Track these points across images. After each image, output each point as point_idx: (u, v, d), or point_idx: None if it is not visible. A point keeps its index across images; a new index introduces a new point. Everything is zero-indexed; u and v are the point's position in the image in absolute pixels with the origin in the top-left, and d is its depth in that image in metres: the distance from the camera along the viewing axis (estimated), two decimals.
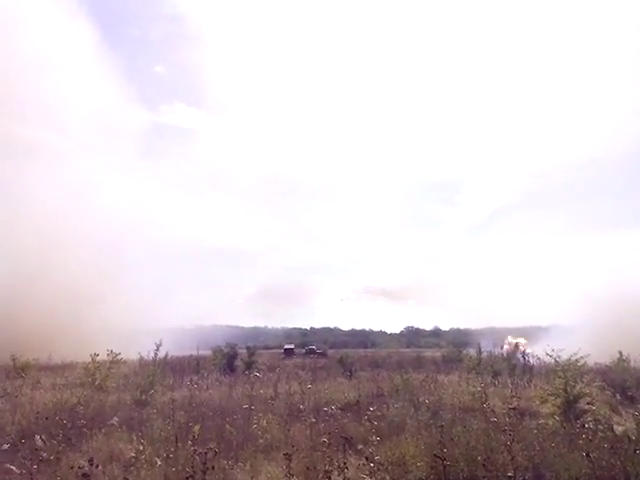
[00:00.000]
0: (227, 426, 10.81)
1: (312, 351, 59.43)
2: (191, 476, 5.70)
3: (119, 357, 19.55)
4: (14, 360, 24.20)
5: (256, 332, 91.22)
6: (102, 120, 79.99)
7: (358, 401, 14.64)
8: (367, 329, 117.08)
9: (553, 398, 13.51)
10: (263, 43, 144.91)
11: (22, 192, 55.36)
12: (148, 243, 66.82)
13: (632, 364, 25.04)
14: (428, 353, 44.80)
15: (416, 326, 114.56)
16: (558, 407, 13.18)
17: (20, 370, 23.66)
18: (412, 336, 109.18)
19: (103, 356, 19.26)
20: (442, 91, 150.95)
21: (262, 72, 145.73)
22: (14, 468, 6.39)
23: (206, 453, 5.75)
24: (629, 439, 8.63)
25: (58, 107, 67.24)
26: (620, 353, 26.04)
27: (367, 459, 7.81)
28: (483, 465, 7.35)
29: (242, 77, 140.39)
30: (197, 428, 7.50)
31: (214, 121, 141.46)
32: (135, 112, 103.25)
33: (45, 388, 18.46)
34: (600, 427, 9.85)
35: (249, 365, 30.08)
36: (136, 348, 20.06)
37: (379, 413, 11.96)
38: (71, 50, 73.43)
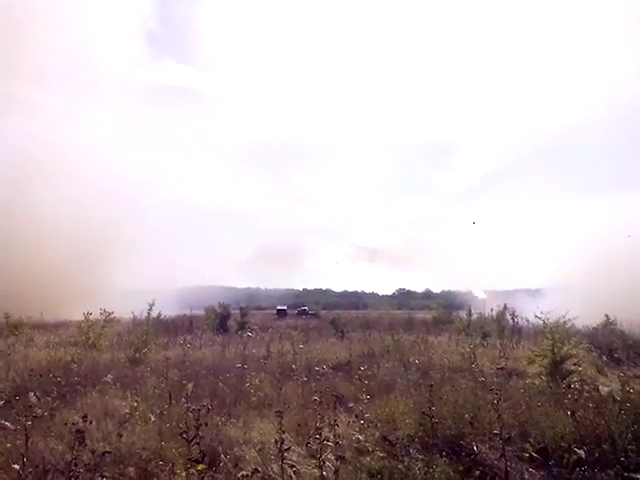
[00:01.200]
0: (220, 384, 10.95)
1: (304, 312, 59.97)
2: (185, 432, 5.78)
3: (112, 316, 19.63)
4: (7, 318, 24.23)
5: (249, 293, 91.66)
6: (94, 77, 78.25)
7: (349, 361, 14.88)
8: (359, 291, 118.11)
9: (540, 359, 13.75)
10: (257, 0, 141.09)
11: (21, 147, 54.22)
12: (140, 204, 66.28)
13: (619, 326, 25.51)
14: (419, 315, 45.23)
15: (407, 288, 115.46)
16: (545, 367, 13.44)
17: (13, 328, 23.71)
18: (403, 298, 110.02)
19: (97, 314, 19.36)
20: (435, 53, 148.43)
21: (255, 31, 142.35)
22: (8, 424, 6.44)
23: (199, 410, 5.81)
24: (614, 399, 8.83)
25: (47, 64, 65.53)
26: (607, 316, 26.48)
27: (357, 416, 7.98)
28: (470, 423, 7.52)
29: (235, 34, 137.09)
30: (190, 386, 7.57)
31: (205, 79, 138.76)
32: (127, 69, 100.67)
33: (39, 346, 18.57)
34: (586, 387, 10.06)
35: (242, 325, 30.35)
36: (130, 307, 20.16)
37: (370, 373, 12.15)
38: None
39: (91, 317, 19.20)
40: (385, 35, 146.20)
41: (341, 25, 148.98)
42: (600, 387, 10.90)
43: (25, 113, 58.04)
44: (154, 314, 19.28)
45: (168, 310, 25.80)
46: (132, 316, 19.78)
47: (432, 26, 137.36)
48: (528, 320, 26.27)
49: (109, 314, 19.48)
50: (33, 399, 7.75)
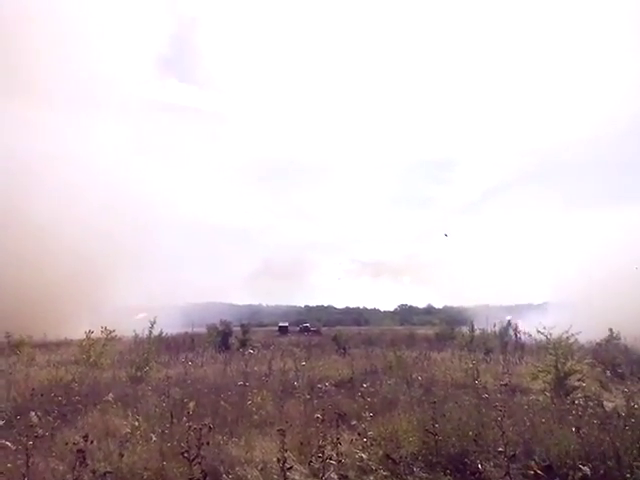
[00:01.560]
0: (222, 402, 10.88)
1: (306, 329, 59.75)
2: (186, 451, 5.75)
3: (114, 334, 19.60)
4: (8, 337, 24.21)
5: (251, 310, 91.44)
6: (99, 94, 78.92)
7: (352, 378, 14.79)
8: (361, 307, 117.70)
9: (544, 375, 13.68)
10: (258, 18, 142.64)
11: (23, 161, 54.28)
12: (141, 221, 66.34)
13: (622, 341, 25.38)
14: (421, 331, 45.09)
15: (409, 304, 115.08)
16: (549, 383, 13.36)
17: (14, 347, 23.68)
18: (405, 314, 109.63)
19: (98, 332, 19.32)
20: (435, 69, 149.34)
21: (256, 48, 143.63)
22: (9, 444, 6.41)
23: (201, 429, 5.79)
24: (618, 415, 8.76)
25: (51, 80, 66.00)
26: (611, 330, 26.35)
27: (360, 434, 7.92)
28: (474, 440, 7.46)
29: (235, 52, 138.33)
30: (192, 404, 7.54)
31: (206, 97, 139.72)
32: (131, 87, 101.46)
33: (40, 365, 18.50)
34: (590, 403, 9.99)
35: (243, 342, 30.23)
36: (131, 326, 20.11)
37: (372, 389, 12.07)
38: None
39: (92, 335, 19.16)
40: (385, 52, 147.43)
41: (341, 42, 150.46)
42: (604, 403, 10.82)
43: (24, 128, 58.12)
44: (155, 332, 19.23)
45: (170, 327, 25.74)
46: (134, 334, 19.74)
47: (431, 42, 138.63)
48: (531, 335, 26.17)
49: (110, 332, 19.44)
50: (34, 419, 7.69)
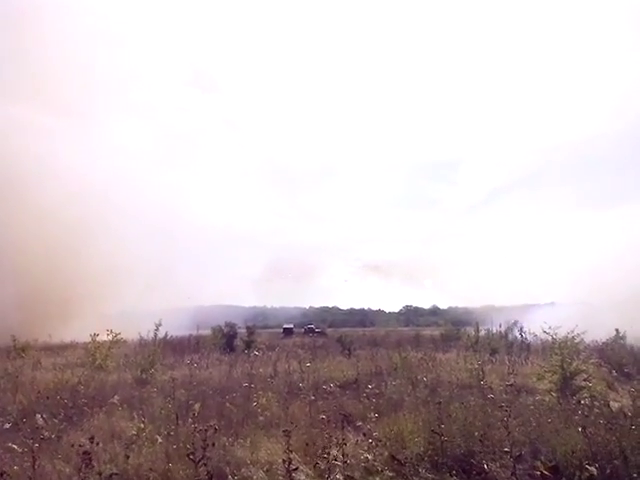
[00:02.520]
0: (227, 404, 10.90)
1: (311, 330, 59.69)
2: (192, 453, 5.77)
3: (119, 337, 19.65)
4: (14, 341, 24.35)
5: (256, 312, 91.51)
6: (115, 102, 79.34)
7: (357, 379, 14.77)
8: (366, 308, 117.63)
9: (550, 375, 13.64)
10: (260, 19, 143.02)
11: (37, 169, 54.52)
12: (146, 223, 66.48)
13: (628, 341, 25.27)
14: (427, 332, 44.99)
15: (414, 305, 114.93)
16: (555, 384, 13.31)
17: (20, 351, 23.80)
18: (411, 315, 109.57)
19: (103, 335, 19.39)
20: (440, 69, 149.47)
21: (260, 49, 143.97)
22: (16, 447, 6.44)
23: (206, 430, 5.80)
24: (625, 415, 8.72)
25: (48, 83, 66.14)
26: (617, 330, 26.24)
27: (365, 435, 7.91)
28: (480, 441, 7.44)
29: (239, 54, 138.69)
30: (197, 406, 7.56)
31: (209, 100, 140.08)
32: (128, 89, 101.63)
33: (46, 368, 18.56)
34: (596, 403, 9.94)
35: (249, 344, 30.23)
36: (137, 328, 20.16)
37: (377, 391, 12.06)
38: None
39: (98, 338, 19.23)
40: (389, 55, 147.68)
41: (347, 46, 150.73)
42: (611, 403, 10.75)
43: (47, 134, 58.32)
44: (161, 334, 19.27)
45: (175, 330, 25.80)
46: (139, 336, 19.79)
47: (436, 44, 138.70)
48: (536, 335, 26.08)
49: (116, 335, 19.49)
50: (40, 421, 7.73)
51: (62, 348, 28.43)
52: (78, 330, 29.47)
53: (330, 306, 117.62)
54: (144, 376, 15.84)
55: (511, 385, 11.51)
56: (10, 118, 52.34)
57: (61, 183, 53.69)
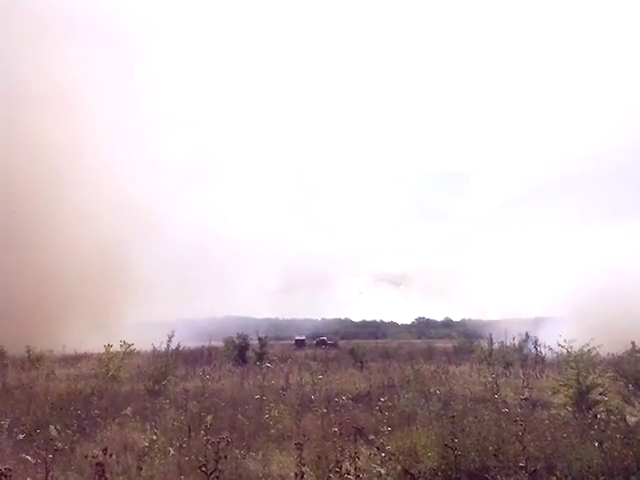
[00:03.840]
0: (239, 416, 10.89)
1: (323, 342, 59.47)
2: (204, 465, 5.75)
3: (132, 348, 19.74)
4: (29, 351, 24.56)
5: (268, 323, 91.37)
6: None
7: (369, 392, 14.70)
8: (378, 320, 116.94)
9: (565, 388, 13.46)
10: (263, 25, 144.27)
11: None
12: (158, 236, 66.75)
13: None
14: (439, 344, 44.75)
15: (427, 317, 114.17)
16: (570, 398, 13.14)
17: (34, 361, 24.00)
18: (423, 327, 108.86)
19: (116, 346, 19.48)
20: (452, 81, 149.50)
21: (265, 58, 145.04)
22: (29, 458, 6.47)
23: (219, 443, 5.79)
24: None
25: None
26: (633, 343, 25.85)
27: (378, 449, 7.84)
28: (494, 455, 7.35)
29: (242, 61, 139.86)
30: (210, 418, 7.55)
31: (214, 109, 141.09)
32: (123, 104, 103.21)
33: (59, 379, 18.67)
34: (612, 417, 9.82)
35: (261, 356, 30.19)
36: (150, 340, 20.21)
37: (390, 404, 11.99)
38: None
39: (111, 349, 19.32)
40: (401, 68, 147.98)
41: (358, 55, 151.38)
42: (627, 417, 10.60)
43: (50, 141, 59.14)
44: (173, 345, 19.33)
45: (188, 341, 25.84)
46: (152, 348, 19.85)
47: (448, 56, 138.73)
48: (551, 349, 25.80)
49: (129, 346, 19.58)
50: (53, 432, 7.77)
51: (76, 359, 28.60)
52: (93, 341, 29.67)
53: (342, 318, 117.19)
54: (157, 387, 15.89)
55: (526, 399, 11.39)
56: (51, 133, 53.22)
57: (102, 195, 54.81)
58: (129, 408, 11.43)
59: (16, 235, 46.48)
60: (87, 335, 38.66)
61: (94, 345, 25.02)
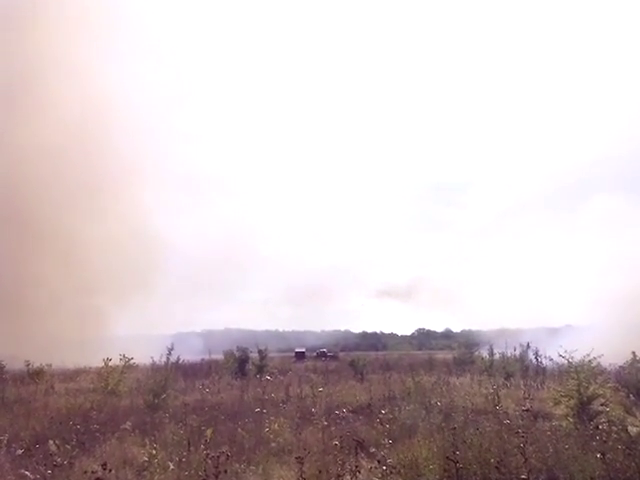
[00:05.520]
0: (239, 430, 10.83)
1: (323, 354, 59.33)
2: None
3: (131, 362, 19.66)
4: (28, 366, 24.45)
5: (268, 336, 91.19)
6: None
7: (370, 404, 14.61)
8: (378, 332, 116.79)
9: (566, 399, 13.41)
10: (266, 41, 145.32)
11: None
12: (158, 249, 66.85)
13: None
14: (440, 355, 44.61)
15: (427, 328, 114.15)
16: (571, 408, 13.08)
17: (34, 376, 23.89)
18: (423, 338, 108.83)
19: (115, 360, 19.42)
20: (449, 92, 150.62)
21: (260, 68, 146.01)
22: (28, 473, 6.43)
23: (218, 457, 5.76)
24: None
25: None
26: (634, 354, 25.77)
27: (379, 462, 7.78)
28: (496, 468, 7.30)
29: (241, 74, 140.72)
30: (209, 432, 7.51)
31: (215, 123, 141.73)
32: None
33: (59, 393, 18.58)
34: (614, 428, 9.76)
35: (260, 369, 30.06)
36: (148, 353, 20.14)
37: (391, 416, 11.92)
38: None
39: (110, 363, 19.25)
40: (399, 78, 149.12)
41: (353, 65, 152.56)
42: (629, 428, 10.54)
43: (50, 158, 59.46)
44: (172, 358, 19.25)
45: (187, 354, 25.74)
46: (151, 361, 19.78)
47: (446, 67, 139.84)
48: (552, 359, 25.71)
49: (128, 360, 19.50)
50: (53, 447, 7.73)
51: (75, 373, 28.49)
52: (89, 355, 29.65)
53: (342, 330, 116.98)
54: (156, 401, 15.79)
55: (527, 410, 11.33)
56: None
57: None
58: (128, 422, 11.36)
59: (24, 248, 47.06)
60: (86, 349, 38.59)
61: (93, 359, 24.95)
